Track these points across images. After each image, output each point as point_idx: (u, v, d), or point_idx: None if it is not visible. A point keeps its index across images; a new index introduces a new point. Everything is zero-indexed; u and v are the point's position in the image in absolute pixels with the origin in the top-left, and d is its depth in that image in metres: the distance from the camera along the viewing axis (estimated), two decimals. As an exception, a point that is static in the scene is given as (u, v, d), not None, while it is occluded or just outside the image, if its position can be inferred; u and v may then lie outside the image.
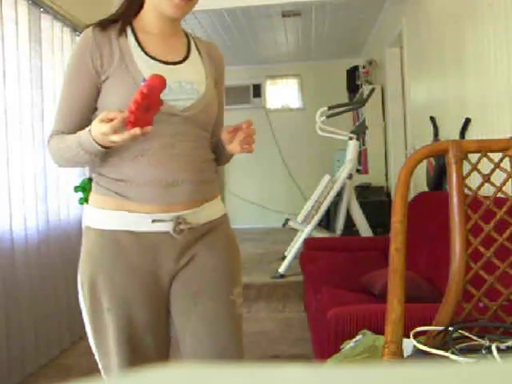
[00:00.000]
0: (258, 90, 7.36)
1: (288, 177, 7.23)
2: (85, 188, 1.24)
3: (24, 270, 2.59)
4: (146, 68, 1.17)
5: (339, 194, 3.97)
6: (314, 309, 2.43)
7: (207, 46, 1.39)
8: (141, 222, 1.15)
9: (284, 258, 3.98)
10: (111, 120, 1.04)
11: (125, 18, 1.26)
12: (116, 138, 1.04)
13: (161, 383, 0.23)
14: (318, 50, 6.70)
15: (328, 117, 3.97)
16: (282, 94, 7.43)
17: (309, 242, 3.54)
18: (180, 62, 1.25)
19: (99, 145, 1.09)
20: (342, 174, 3.94)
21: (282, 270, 3.79)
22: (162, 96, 1.09)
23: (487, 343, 0.94)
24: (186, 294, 1.22)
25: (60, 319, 2.91)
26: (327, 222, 4.83)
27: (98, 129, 1.06)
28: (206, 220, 1.25)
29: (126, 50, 1.19)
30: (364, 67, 5.97)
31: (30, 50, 2.81)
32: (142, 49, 1.21)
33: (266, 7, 4.81)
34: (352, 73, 6.40)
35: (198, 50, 1.33)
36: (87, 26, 1.25)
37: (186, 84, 1.23)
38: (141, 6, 1.26)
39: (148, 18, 1.25)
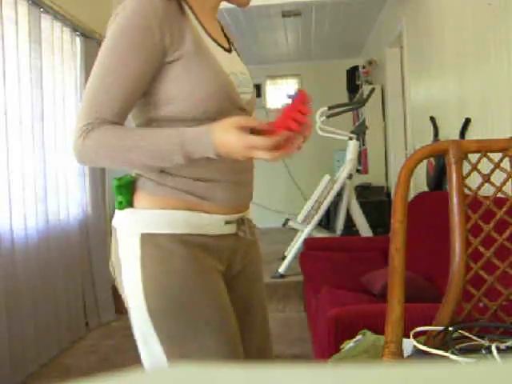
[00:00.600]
0: (258, 90, 7.36)
1: (288, 177, 7.23)
2: (128, 188, 1.03)
3: (24, 270, 2.59)
4: (220, 57, 1.04)
5: (339, 194, 3.97)
6: (313, 309, 2.43)
7: (231, 34, 1.23)
8: (215, 224, 1.05)
9: (284, 258, 3.98)
10: (255, 129, 0.90)
11: None
12: (268, 156, 0.90)
13: (162, 383, 0.23)
14: (318, 50, 6.69)
15: (328, 117, 3.97)
16: (282, 94, 7.43)
17: (309, 242, 3.54)
18: (230, 50, 1.13)
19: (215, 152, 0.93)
20: (342, 174, 3.94)
21: (281, 270, 3.79)
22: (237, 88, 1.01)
23: (487, 343, 0.94)
24: (240, 301, 1.14)
25: (60, 319, 2.91)
26: (327, 222, 4.83)
27: (240, 139, 0.90)
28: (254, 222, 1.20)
29: (195, 30, 1.01)
30: (364, 67, 5.97)
31: (29, 50, 2.81)
32: (206, 31, 1.05)
33: (266, 7, 4.81)
34: (352, 73, 6.40)
35: (226, 36, 1.18)
36: None
37: (243, 75, 1.13)
38: None
39: None
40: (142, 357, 1.06)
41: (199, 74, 0.98)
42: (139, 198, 1.02)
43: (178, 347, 0.99)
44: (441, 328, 1.05)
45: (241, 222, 1.12)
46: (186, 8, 1.02)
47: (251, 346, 1.14)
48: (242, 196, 1.13)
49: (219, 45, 1.07)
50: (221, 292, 1.03)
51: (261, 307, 1.19)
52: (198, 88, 0.97)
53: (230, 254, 1.10)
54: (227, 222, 1.07)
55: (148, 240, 0.99)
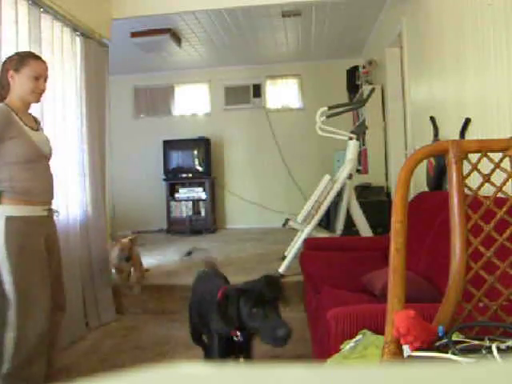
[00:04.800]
0: (258, 90, 7.36)
1: (288, 177, 7.23)
2: None
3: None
4: (30, 133, 2.22)
5: (339, 194, 3.97)
6: (313, 309, 2.43)
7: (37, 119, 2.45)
8: (37, 210, 2.24)
9: (284, 258, 3.98)
10: None
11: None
12: None
13: (161, 383, 0.23)
14: (318, 50, 6.70)
15: (328, 117, 3.97)
16: (282, 94, 7.43)
17: (309, 242, 3.54)
18: (37, 129, 2.33)
19: None
20: (342, 174, 3.94)
21: (281, 270, 3.79)
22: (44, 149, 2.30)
23: (487, 343, 0.94)
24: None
25: (60, 319, 2.90)
26: (327, 222, 4.83)
27: None
28: None
29: (18, 122, 2.18)
30: (364, 67, 5.97)
31: (29, 50, 2.80)
32: (23, 121, 2.21)
33: (266, 7, 4.81)
34: (352, 73, 6.40)
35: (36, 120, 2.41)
36: None
37: (43, 141, 2.31)
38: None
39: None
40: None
41: (20, 142, 2.13)
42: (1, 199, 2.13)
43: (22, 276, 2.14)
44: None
45: (48, 209, 2.29)
46: (14, 113, 2.16)
47: (52, 268, 2.30)
48: (48, 195, 2.30)
49: (30, 127, 2.22)
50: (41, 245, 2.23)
51: (57, 253, 2.40)
52: (22, 149, 2.13)
53: (45, 225, 2.27)
54: (43, 210, 2.25)
55: (8, 219, 2.10)
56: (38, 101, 2.28)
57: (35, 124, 2.31)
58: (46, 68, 2.27)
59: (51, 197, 2.32)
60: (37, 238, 2.21)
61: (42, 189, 2.23)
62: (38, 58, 2.26)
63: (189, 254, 4.42)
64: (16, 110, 2.18)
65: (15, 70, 2.16)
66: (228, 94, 7.41)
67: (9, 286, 2.11)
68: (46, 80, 2.26)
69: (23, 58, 2.18)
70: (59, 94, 3.18)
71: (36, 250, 2.20)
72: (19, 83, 2.17)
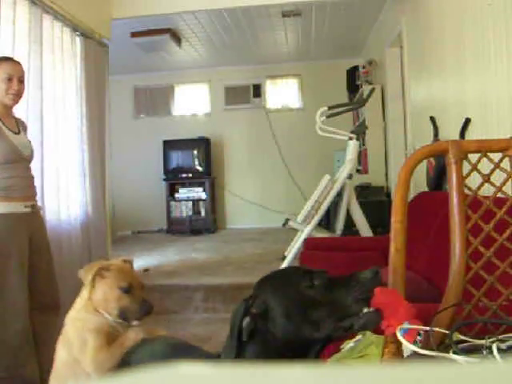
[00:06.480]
0: (258, 90, 7.36)
1: (288, 177, 7.23)
2: None
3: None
4: (11, 137, 2.25)
5: (339, 194, 3.97)
6: (314, 309, 2.42)
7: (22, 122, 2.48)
8: (18, 207, 2.25)
9: (284, 258, 3.98)
10: None
11: None
12: None
13: (161, 383, 0.23)
14: (318, 50, 6.69)
15: (328, 117, 3.97)
16: (282, 93, 7.43)
17: (309, 242, 3.54)
18: (19, 132, 2.34)
19: None
20: (342, 174, 3.94)
21: (281, 270, 3.78)
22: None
23: (488, 343, 0.94)
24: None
25: (61, 319, 2.90)
26: (327, 222, 4.82)
27: None
28: None
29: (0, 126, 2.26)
30: (364, 67, 5.97)
31: (29, 50, 2.81)
32: (4, 124, 2.25)
33: (266, 7, 4.81)
34: (352, 73, 6.40)
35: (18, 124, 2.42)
36: None
37: (25, 144, 2.34)
38: None
39: None
40: None
41: (1, 144, 2.18)
42: None
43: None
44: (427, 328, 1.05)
45: (31, 206, 2.30)
46: None
47: (40, 267, 2.33)
48: (28, 190, 2.30)
49: (11, 131, 2.27)
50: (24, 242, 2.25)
51: (46, 250, 2.41)
52: (3, 149, 2.17)
53: (29, 222, 2.27)
54: (26, 206, 2.26)
55: None
56: (14, 102, 2.29)
57: (17, 127, 2.34)
58: (20, 69, 2.29)
59: (32, 193, 2.34)
60: (19, 236, 2.22)
61: (21, 186, 2.25)
62: (9, 59, 2.29)
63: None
64: None
65: None
66: (228, 94, 7.41)
67: None
68: (21, 81, 2.28)
69: None
70: (59, 94, 3.18)
71: (16, 249, 2.20)
72: None
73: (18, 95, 2.27)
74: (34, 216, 2.34)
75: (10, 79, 2.22)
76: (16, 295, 2.16)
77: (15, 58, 2.34)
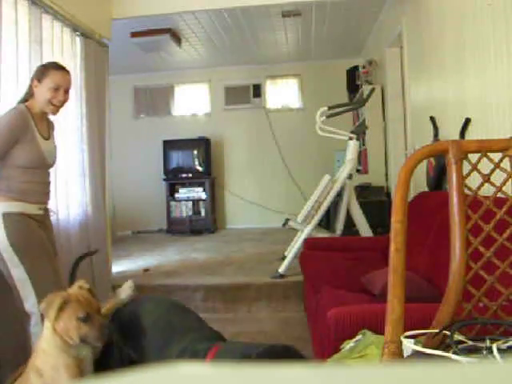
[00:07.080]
0: (258, 90, 7.36)
1: (288, 177, 7.23)
2: None
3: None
4: (41, 142, 2.26)
5: (339, 194, 3.97)
6: (314, 309, 2.43)
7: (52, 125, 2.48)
8: (34, 208, 2.26)
9: (284, 258, 3.98)
10: None
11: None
12: None
13: (161, 383, 0.23)
14: (318, 50, 6.70)
15: (328, 117, 3.97)
16: (282, 93, 7.43)
17: (309, 242, 3.54)
18: (48, 138, 2.35)
19: None
20: (342, 174, 3.94)
21: (281, 270, 3.79)
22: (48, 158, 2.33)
23: (488, 343, 0.94)
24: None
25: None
26: (327, 222, 4.83)
27: None
28: None
29: (33, 129, 2.23)
30: (364, 67, 5.97)
31: (30, 51, 2.80)
32: (37, 128, 2.25)
33: (266, 7, 4.81)
34: (352, 73, 6.40)
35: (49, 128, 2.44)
36: None
37: (51, 150, 2.35)
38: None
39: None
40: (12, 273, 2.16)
41: (28, 148, 2.19)
42: None
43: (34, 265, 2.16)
44: (436, 330, 1.05)
45: (44, 209, 2.33)
46: (31, 118, 2.22)
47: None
48: (42, 197, 2.32)
49: (42, 136, 2.27)
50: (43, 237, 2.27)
51: (52, 243, 2.41)
52: (28, 155, 2.19)
53: (41, 222, 2.28)
54: (39, 208, 2.28)
55: (5, 215, 2.13)
56: (55, 113, 2.29)
57: (48, 132, 2.34)
58: (68, 79, 2.28)
59: (46, 198, 2.35)
60: (37, 229, 2.24)
61: (37, 191, 2.26)
62: (60, 68, 2.27)
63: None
64: (34, 116, 2.24)
65: (38, 80, 2.23)
66: (228, 94, 7.40)
67: (20, 275, 2.12)
68: (67, 91, 2.27)
69: (46, 69, 2.24)
70: (59, 94, 3.18)
71: (39, 241, 2.23)
72: (40, 93, 2.22)
73: (61, 106, 2.27)
74: (46, 218, 2.36)
75: (56, 89, 2.21)
76: (51, 284, 2.16)
77: (65, 68, 2.31)
